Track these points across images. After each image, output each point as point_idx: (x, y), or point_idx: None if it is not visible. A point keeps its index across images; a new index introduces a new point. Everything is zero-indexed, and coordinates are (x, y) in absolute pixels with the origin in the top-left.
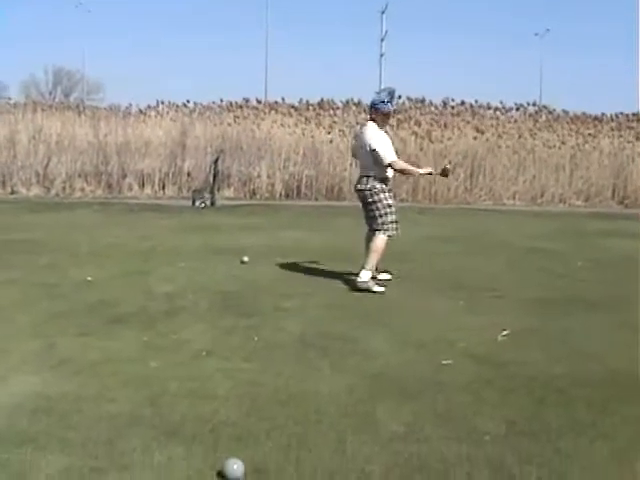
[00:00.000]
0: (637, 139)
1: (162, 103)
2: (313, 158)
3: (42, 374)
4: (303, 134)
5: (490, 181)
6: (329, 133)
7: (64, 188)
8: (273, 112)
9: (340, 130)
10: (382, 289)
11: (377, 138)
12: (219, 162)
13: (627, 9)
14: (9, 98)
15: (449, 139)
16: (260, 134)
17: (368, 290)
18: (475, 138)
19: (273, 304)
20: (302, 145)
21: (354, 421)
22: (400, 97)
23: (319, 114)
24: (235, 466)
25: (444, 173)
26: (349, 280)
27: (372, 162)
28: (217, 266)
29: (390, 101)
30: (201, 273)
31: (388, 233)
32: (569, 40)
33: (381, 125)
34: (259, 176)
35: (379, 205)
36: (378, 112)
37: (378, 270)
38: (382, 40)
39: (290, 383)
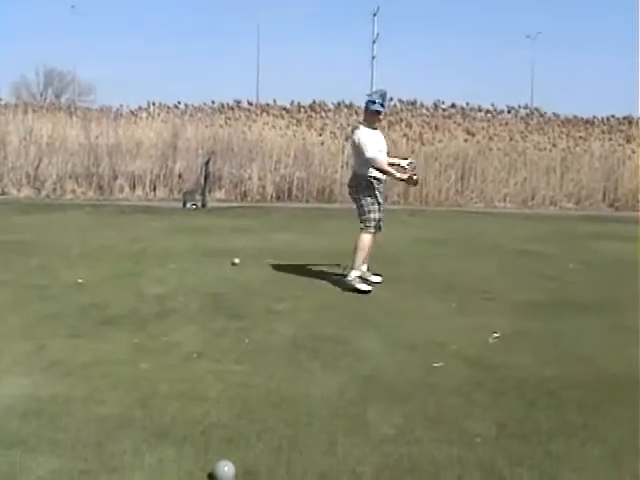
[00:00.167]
0: (628, 142)
1: (153, 104)
2: (304, 160)
3: (32, 376)
4: (294, 136)
5: (481, 183)
6: (320, 135)
7: (55, 189)
8: (264, 114)
9: (331, 132)
10: (368, 288)
11: (362, 135)
12: (210, 164)
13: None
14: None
15: (440, 141)
16: (251, 136)
17: (354, 289)
18: (466, 140)
19: (264, 306)
20: (293, 147)
21: (345, 423)
22: (392, 99)
23: (310, 116)
24: (226, 468)
25: (410, 181)
26: (340, 282)
27: (360, 161)
28: (208, 268)
29: (382, 103)
30: (192, 275)
31: (369, 230)
32: (561, 42)
33: (371, 126)
34: (250, 178)
35: (363, 202)
36: (367, 112)
37: (370, 271)
38: (374, 42)
39: (281, 385)
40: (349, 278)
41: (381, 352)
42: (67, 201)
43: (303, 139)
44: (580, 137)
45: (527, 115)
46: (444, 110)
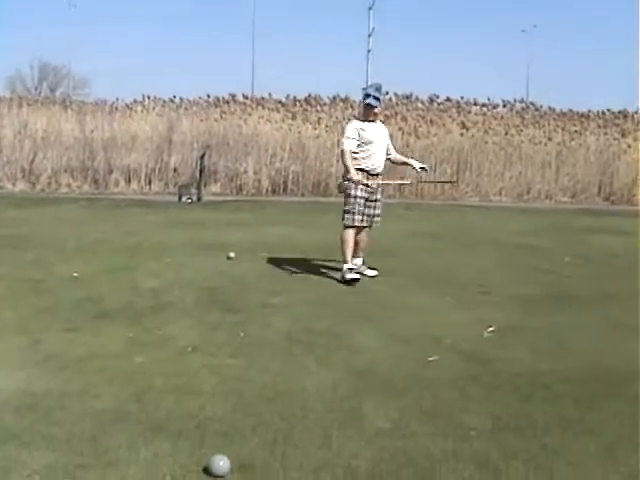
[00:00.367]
0: (623, 136)
1: (148, 98)
2: (300, 154)
3: (27, 370)
4: (290, 130)
5: (477, 177)
6: (316, 129)
7: (50, 183)
8: (260, 107)
9: (327, 126)
10: (356, 276)
11: (346, 128)
12: (205, 158)
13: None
14: None
15: (435, 135)
16: (247, 130)
17: (344, 280)
18: (462, 134)
19: (259, 300)
20: (289, 141)
21: (340, 417)
22: (387, 93)
23: (306, 110)
24: (221, 462)
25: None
26: (335, 276)
27: None
28: (203, 262)
29: (376, 97)
30: (187, 269)
31: (346, 223)
32: (556, 35)
33: (366, 118)
34: (245, 172)
35: (345, 194)
36: (362, 105)
37: (365, 264)
38: (369, 36)
39: (276, 379)
40: (342, 272)
41: (376, 346)
42: (62, 195)
43: (298, 133)
44: (575, 131)
45: (522, 109)
46: (439, 104)
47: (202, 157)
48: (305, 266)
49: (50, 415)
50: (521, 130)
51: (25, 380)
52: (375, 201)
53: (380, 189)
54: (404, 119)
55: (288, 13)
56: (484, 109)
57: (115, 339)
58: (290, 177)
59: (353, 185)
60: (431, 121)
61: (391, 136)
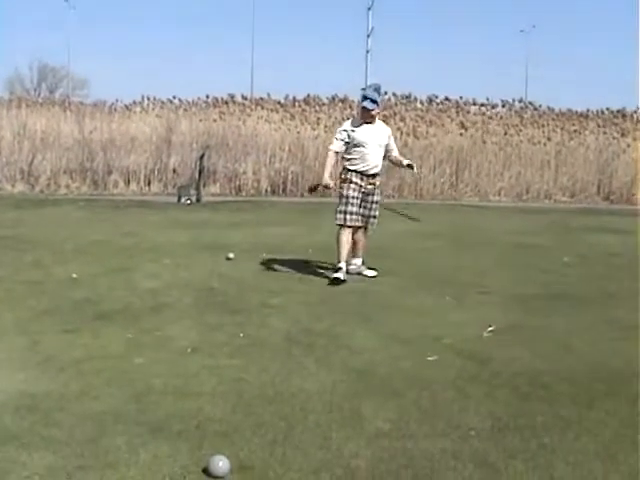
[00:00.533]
0: (622, 135)
1: (148, 99)
2: (299, 154)
3: (26, 371)
4: (289, 130)
5: (476, 177)
6: (314, 129)
7: (49, 185)
8: (259, 108)
9: (326, 126)
10: (340, 276)
11: (340, 128)
12: (205, 158)
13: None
14: None
15: (434, 135)
16: (246, 130)
17: (334, 281)
18: (461, 134)
19: (258, 301)
20: (288, 141)
21: (339, 417)
22: (386, 93)
23: (305, 110)
24: (221, 463)
25: (315, 187)
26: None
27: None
28: (202, 263)
29: (374, 100)
30: (186, 269)
31: (337, 222)
32: (555, 35)
33: (364, 120)
34: (245, 172)
35: (339, 194)
36: (359, 106)
37: (365, 264)
38: (368, 36)
39: (276, 380)
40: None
41: (376, 346)
42: (61, 196)
43: (297, 133)
44: (574, 130)
45: (521, 109)
46: (438, 104)
47: (201, 158)
48: (304, 267)
49: (49, 416)
50: (520, 130)
51: (24, 381)
52: (372, 202)
53: (378, 191)
54: (403, 119)
55: (287, 14)
56: (483, 109)
57: (114, 340)
58: (289, 177)
59: (346, 185)
60: (430, 121)
61: (395, 138)
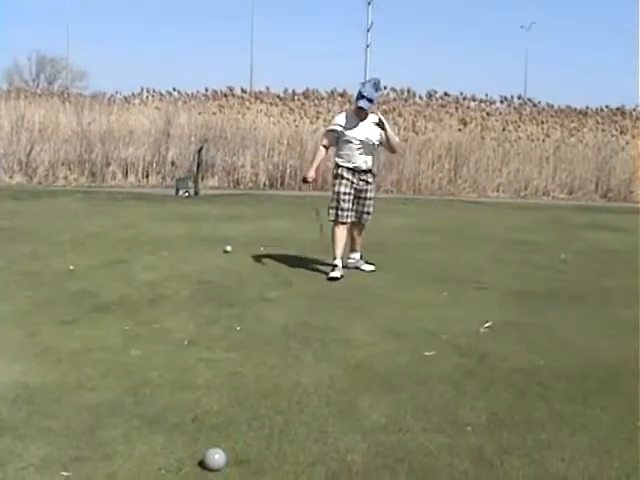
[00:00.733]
0: (621, 133)
1: (147, 91)
2: (297, 148)
3: (24, 363)
4: (287, 124)
5: (474, 173)
6: (313, 123)
7: (47, 176)
8: (258, 101)
9: (325, 120)
10: (336, 274)
11: (330, 123)
12: (203, 151)
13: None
14: None
15: (433, 131)
16: (244, 124)
17: (331, 279)
18: (460, 130)
19: (256, 294)
20: (286, 135)
21: (336, 411)
22: (385, 88)
23: (304, 104)
24: (216, 456)
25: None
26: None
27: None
28: (200, 255)
29: (370, 99)
30: (184, 262)
31: (329, 218)
32: (555, 32)
33: (352, 115)
34: (243, 166)
35: (332, 190)
36: (355, 103)
37: (363, 259)
38: (368, 31)
39: (272, 373)
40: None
41: (372, 341)
42: (59, 188)
43: (296, 127)
44: (573, 127)
45: (520, 105)
46: (437, 99)
47: (200, 151)
48: (302, 260)
49: (46, 408)
50: (519, 126)
51: (21, 373)
52: (366, 199)
53: (371, 187)
54: (401, 114)
55: (287, 7)
56: (482, 105)
57: (111, 332)
58: (287, 171)
59: (337, 181)
60: (429, 117)
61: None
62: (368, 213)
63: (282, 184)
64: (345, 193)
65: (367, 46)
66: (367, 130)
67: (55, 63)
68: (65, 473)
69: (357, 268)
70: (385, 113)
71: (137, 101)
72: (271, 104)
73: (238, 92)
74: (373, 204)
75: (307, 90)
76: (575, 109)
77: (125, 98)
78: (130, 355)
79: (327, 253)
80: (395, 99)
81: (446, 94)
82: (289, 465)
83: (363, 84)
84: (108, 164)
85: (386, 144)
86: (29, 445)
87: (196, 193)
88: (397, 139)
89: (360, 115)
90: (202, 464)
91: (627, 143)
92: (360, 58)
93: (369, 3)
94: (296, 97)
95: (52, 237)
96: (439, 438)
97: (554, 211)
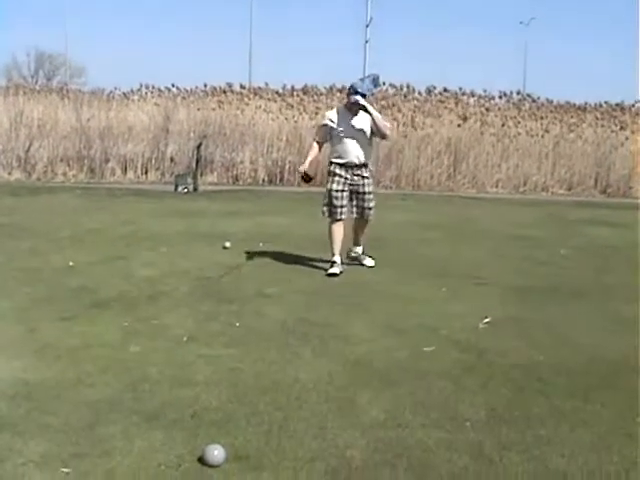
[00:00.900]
0: (621, 129)
1: (146, 87)
2: (297, 144)
3: (23, 359)
4: (286, 120)
5: (473, 169)
6: (312, 119)
7: (46, 172)
8: (257, 97)
9: (324, 116)
10: (335, 271)
11: (322, 118)
12: (202, 147)
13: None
14: None
15: (432, 126)
16: (243, 120)
17: (330, 276)
18: (459, 126)
19: (255, 290)
20: (285, 131)
21: (335, 407)
22: (384, 84)
23: (302, 100)
24: (216, 452)
25: (305, 177)
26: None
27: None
28: (199, 251)
29: (364, 94)
30: (183, 258)
31: (325, 216)
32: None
33: (343, 110)
34: (242, 162)
35: (326, 188)
36: (347, 98)
37: (365, 254)
38: (367, 26)
39: (271, 369)
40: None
41: (371, 336)
42: (58, 184)
43: (295, 123)
44: (573, 123)
45: (519, 101)
46: (436, 95)
47: (199, 147)
48: (301, 256)
49: (45, 404)
50: (518, 122)
51: (21, 369)
52: (364, 193)
53: (368, 181)
54: (400, 110)
55: (286, 3)
56: (481, 101)
57: (110, 328)
58: (287, 167)
59: (330, 178)
60: (428, 112)
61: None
62: (369, 208)
63: (281, 180)
64: (337, 190)
65: (366, 41)
66: (359, 124)
67: (54, 59)
68: (64, 469)
69: (358, 261)
70: (384, 108)
71: (136, 97)
72: (270, 100)
73: (237, 88)
74: (374, 198)
75: (306, 86)
76: (574, 105)
77: (124, 94)
78: (129, 351)
79: (326, 249)
80: (394, 94)
81: (445, 90)
82: (288, 461)
83: (362, 79)
84: (107, 160)
85: (376, 130)
86: (28, 441)
87: (195, 189)
88: (387, 124)
89: (352, 110)
90: (201, 460)
91: (626, 139)
92: (359, 53)
93: None
94: (295, 93)
95: (51, 233)
96: (438, 434)
97: (553, 207)
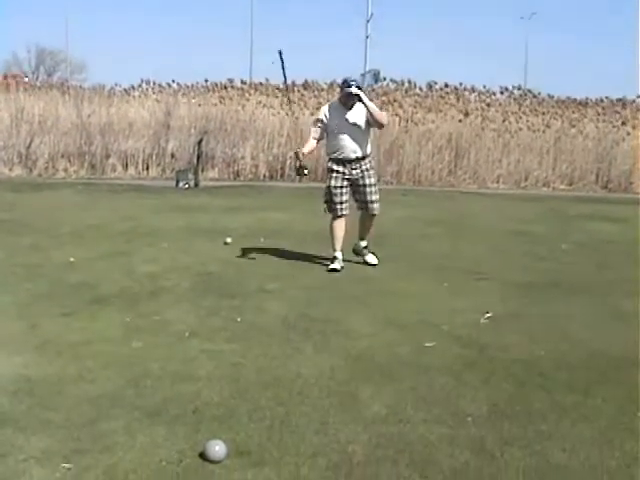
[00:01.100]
0: (622, 124)
1: (146, 83)
2: (298, 139)
3: (24, 355)
4: (287, 115)
5: (474, 164)
6: (313, 114)
7: (47, 168)
8: (258, 93)
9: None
10: (336, 266)
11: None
12: (203, 143)
13: None
14: None
15: (433, 122)
16: (244, 115)
17: (331, 271)
18: (460, 121)
19: (256, 285)
20: (286, 126)
21: (336, 402)
22: (385, 79)
23: (303, 95)
24: (217, 447)
25: (299, 171)
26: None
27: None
28: (200, 247)
29: (359, 87)
30: (184, 254)
31: (326, 212)
32: (555, 23)
33: (337, 104)
34: (243, 157)
35: (326, 184)
36: (342, 91)
37: (367, 249)
38: (368, 21)
39: (273, 364)
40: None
41: (373, 332)
42: (59, 180)
43: (296, 118)
44: (574, 118)
45: (520, 96)
46: (438, 90)
47: (199, 142)
48: (302, 251)
49: (47, 400)
50: (519, 117)
51: (22, 365)
52: (365, 186)
53: (368, 174)
54: (401, 105)
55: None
56: (482, 96)
57: (112, 324)
58: (287, 163)
59: (329, 175)
60: (429, 108)
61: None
62: (372, 202)
63: (282, 176)
64: (336, 187)
65: (367, 37)
66: (353, 117)
67: (54, 55)
68: (66, 465)
69: (362, 257)
70: (384, 104)
71: (137, 93)
72: (270, 95)
73: (238, 84)
74: (377, 191)
75: (306, 81)
76: (575, 100)
77: (125, 90)
78: (131, 347)
79: (327, 245)
80: (395, 90)
81: (446, 85)
82: (290, 456)
83: (363, 75)
84: (108, 156)
85: (372, 120)
86: (30, 437)
87: (196, 185)
88: (384, 114)
89: (347, 105)
90: (203, 455)
91: (628, 134)
92: (360, 49)
93: None
94: (296, 88)
95: (52, 229)
96: (440, 429)
97: (554, 202)
